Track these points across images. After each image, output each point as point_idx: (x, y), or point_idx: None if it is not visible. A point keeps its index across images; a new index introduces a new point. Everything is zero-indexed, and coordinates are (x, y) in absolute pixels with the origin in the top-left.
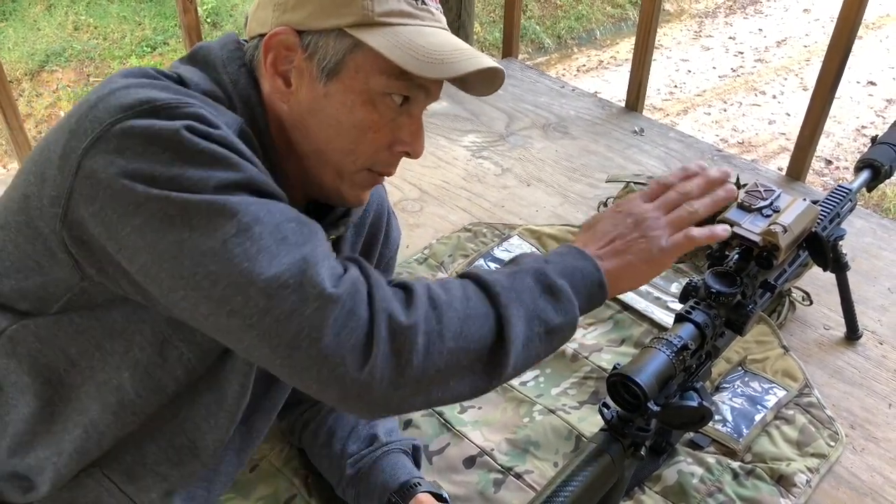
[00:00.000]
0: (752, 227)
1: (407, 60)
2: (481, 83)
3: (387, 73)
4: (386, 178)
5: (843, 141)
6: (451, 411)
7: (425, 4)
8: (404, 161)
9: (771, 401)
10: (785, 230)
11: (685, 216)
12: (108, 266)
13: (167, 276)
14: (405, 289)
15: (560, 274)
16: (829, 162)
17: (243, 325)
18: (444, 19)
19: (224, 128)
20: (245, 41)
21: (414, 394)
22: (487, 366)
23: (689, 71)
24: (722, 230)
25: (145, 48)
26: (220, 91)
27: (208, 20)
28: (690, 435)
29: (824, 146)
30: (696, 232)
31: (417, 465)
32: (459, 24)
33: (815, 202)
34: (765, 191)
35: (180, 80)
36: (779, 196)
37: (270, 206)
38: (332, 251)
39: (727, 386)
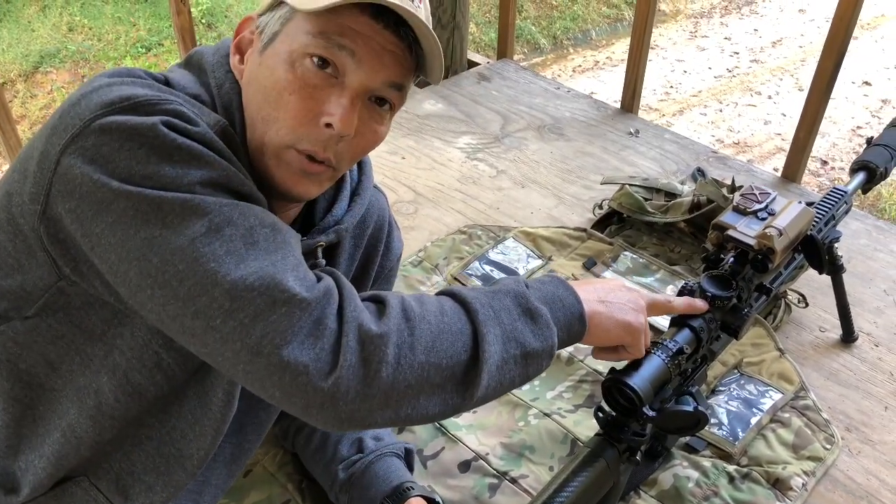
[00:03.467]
0: (748, 231)
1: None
2: (428, 67)
3: (309, 32)
4: (331, 167)
5: (839, 141)
6: None
7: None
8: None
9: (767, 404)
10: (780, 233)
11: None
12: (82, 265)
13: (135, 273)
14: (378, 301)
15: (541, 300)
16: (824, 162)
17: (207, 327)
18: None
19: (203, 125)
20: None
21: (382, 407)
22: (460, 385)
23: (685, 71)
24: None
25: (140, 49)
26: (206, 94)
27: (203, 21)
28: (686, 438)
29: (820, 146)
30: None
31: (410, 468)
32: (454, 25)
33: (809, 204)
34: (760, 194)
35: (167, 82)
36: (774, 199)
37: (244, 208)
38: (322, 259)
39: (723, 389)
